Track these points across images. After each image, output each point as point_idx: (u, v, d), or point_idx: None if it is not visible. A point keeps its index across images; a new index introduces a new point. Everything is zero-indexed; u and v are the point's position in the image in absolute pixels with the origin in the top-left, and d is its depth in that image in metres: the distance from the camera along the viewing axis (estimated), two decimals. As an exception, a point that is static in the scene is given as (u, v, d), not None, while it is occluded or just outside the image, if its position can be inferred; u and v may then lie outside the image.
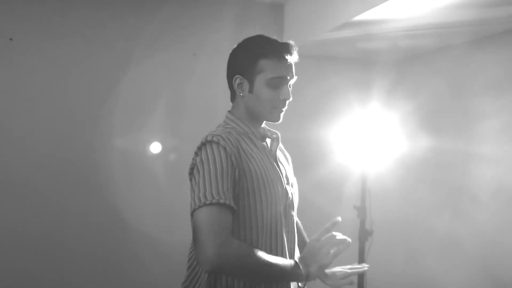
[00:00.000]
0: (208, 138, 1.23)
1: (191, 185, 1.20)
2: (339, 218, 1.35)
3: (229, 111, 1.40)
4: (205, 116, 2.69)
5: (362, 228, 2.30)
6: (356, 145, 2.31)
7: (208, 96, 2.74)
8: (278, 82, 1.31)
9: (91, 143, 2.57)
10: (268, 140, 1.39)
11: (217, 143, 1.20)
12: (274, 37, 1.36)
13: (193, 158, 1.24)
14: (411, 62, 2.92)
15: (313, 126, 2.77)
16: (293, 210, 1.35)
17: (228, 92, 1.37)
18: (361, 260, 2.26)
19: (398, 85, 2.81)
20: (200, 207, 1.12)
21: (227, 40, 2.74)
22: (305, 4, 2.76)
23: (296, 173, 1.47)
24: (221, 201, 1.13)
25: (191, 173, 1.23)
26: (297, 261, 1.25)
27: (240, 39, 1.36)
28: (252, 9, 2.91)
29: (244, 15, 2.87)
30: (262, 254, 1.17)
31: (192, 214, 1.14)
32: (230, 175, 1.18)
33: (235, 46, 1.37)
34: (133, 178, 2.63)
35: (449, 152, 2.61)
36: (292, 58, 1.33)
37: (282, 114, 1.34)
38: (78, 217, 2.58)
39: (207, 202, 1.12)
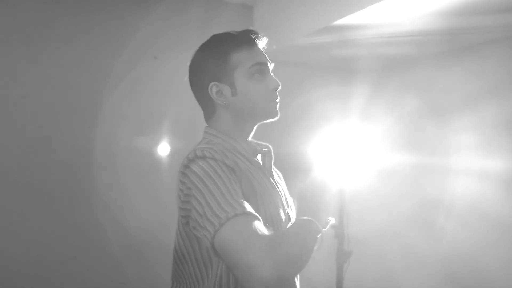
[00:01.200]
0: (198, 153, 1.01)
1: (192, 214, 0.98)
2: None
3: (207, 127, 1.19)
4: (166, 121, 2.53)
5: (340, 249, 2.12)
6: (333, 160, 2.16)
7: (170, 101, 2.54)
8: (260, 70, 1.13)
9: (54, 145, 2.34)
10: (259, 156, 1.19)
11: (213, 158, 1.00)
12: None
13: (181, 183, 1.01)
14: (390, 71, 2.82)
15: (286, 139, 2.56)
16: None
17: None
18: (339, 284, 2.10)
19: (376, 96, 2.70)
20: (222, 225, 0.90)
21: (191, 43, 2.60)
22: (277, 7, 2.62)
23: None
24: (247, 210, 0.92)
25: (186, 201, 1.00)
26: (306, 218, 1.03)
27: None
28: (219, 10, 2.72)
29: (209, 16, 2.68)
30: (287, 233, 0.99)
31: (212, 242, 0.91)
32: (239, 189, 0.98)
33: (193, 56, 1.18)
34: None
35: (426, 166, 2.52)
36: (262, 43, 1.17)
37: (278, 107, 1.15)
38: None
39: (230, 216, 0.90)
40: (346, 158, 2.20)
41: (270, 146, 1.21)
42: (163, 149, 2.56)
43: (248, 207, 0.94)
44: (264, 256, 0.85)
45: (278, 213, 1.10)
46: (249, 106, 1.13)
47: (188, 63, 1.21)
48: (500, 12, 1.98)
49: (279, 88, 1.15)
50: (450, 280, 2.41)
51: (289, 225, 1.09)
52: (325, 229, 1.06)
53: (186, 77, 1.20)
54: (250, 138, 1.20)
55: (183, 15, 2.63)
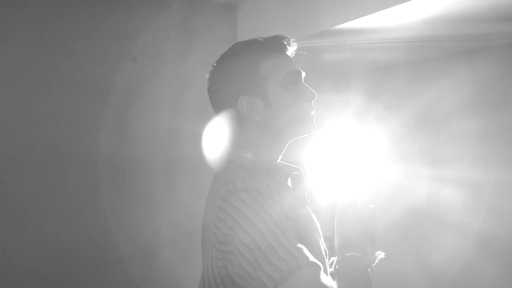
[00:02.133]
0: (239, 185, 0.87)
1: (237, 259, 0.83)
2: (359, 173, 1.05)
3: (234, 147, 1.04)
4: (147, 125, 2.39)
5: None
6: (325, 169, 2.08)
7: (150, 103, 2.40)
8: (295, 80, 1.01)
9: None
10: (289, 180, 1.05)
11: (257, 192, 0.86)
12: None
13: (219, 220, 0.87)
14: (382, 76, 2.77)
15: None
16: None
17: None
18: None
19: (368, 102, 2.65)
20: (284, 279, 0.76)
21: (172, 43, 2.49)
22: (262, 7, 2.51)
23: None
24: (310, 260, 0.80)
25: (225, 242, 0.85)
26: (352, 254, 0.93)
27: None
28: (201, 9, 2.59)
29: (191, 16, 2.54)
30: (347, 280, 0.88)
31: None
32: (292, 229, 0.84)
33: (214, 68, 1.05)
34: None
35: (417, 175, 2.49)
36: (292, 49, 1.05)
37: (315, 120, 1.03)
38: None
39: (293, 268, 0.77)
40: (340, 168, 2.14)
41: (302, 169, 1.07)
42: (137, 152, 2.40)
43: (310, 255, 0.81)
44: None
45: (321, 251, 0.97)
46: (285, 120, 1.00)
47: (208, 75, 1.08)
48: (491, 21, 1.97)
49: (315, 99, 1.03)
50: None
51: (332, 262, 0.97)
52: (374, 265, 0.95)
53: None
54: (279, 159, 1.06)
55: (163, 14, 2.49)
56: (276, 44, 1.03)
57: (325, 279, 0.81)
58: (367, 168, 2.29)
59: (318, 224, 1.03)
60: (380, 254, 0.98)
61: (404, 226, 2.49)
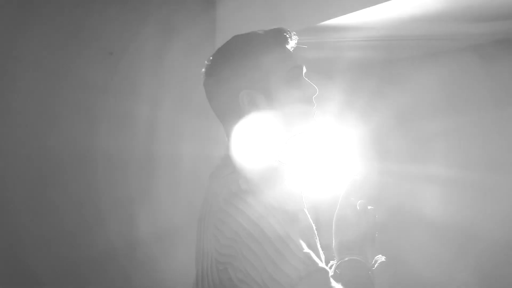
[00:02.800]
0: (243, 187, 0.83)
1: (241, 265, 0.80)
2: (357, 177, 1.03)
3: (229, 153, 1.00)
4: (124, 121, 2.33)
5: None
6: (306, 170, 2.07)
7: (128, 99, 2.34)
8: (297, 75, 0.98)
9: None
10: None
11: (262, 194, 0.83)
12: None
13: (221, 223, 0.83)
14: (362, 75, 2.77)
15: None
16: None
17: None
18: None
19: (349, 100, 2.65)
20: (293, 286, 0.74)
21: (149, 38, 2.44)
22: (242, 4, 2.49)
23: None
24: (319, 265, 0.78)
25: (228, 246, 0.82)
26: (354, 258, 0.92)
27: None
28: (178, 3, 2.55)
29: (168, 10, 2.50)
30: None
31: None
32: (298, 234, 0.81)
33: (212, 61, 1.02)
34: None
35: (395, 172, 2.51)
36: (293, 43, 1.02)
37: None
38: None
39: (302, 274, 0.75)
40: (321, 165, 2.14)
41: (298, 168, 1.06)
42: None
43: (318, 260, 0.79)
44: None
45: (320, 254, 0.95)
46: (288, 116, 0.97)
47: (204, 69, 1.04)
48: (469, 21, 2.00)
49: (317, 94, 1.00)
50: (419, 284, 2.43)
51: (331, 266, 0.95)
52: (374, 269, 0.94)
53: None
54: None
55: (140, 8, 2.43)
56: (277, 37, 1.01)
57: (334, 284, 0.79)
58: (347, 166, 2.30)
59: (314, 226, 1.01)
60: (381, 258, 0.97)
61: (384, 223, 2.52)
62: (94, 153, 2.26)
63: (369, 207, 1.01)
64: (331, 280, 0.80)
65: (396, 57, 2.57)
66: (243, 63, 0.98)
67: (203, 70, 1.05)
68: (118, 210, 2.30)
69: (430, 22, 1.99)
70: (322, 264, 0.81)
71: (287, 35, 1.01)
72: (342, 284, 0.83)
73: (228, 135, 1.03)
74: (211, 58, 1.04)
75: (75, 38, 2.23)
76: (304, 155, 2.09)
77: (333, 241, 1.00)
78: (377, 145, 2.63)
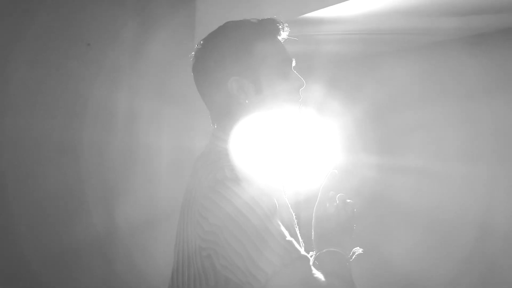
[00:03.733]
0: (228, 174, 0.84)
1: (225, 251, 0.81)
2: (336, 171, 1.05)
3: (218, 131, 1.01)
4: (102, 112, 2.30)
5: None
6: (288, 159, 2.09)
7: (105, 90, 2.31)
8: (287, 67, 0.98)
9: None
10: None
11: (247, 182, 0.83)
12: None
13: (205, 210, 0.84)
14: (340, 69, 2.79)
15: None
16: None
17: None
18: None
19: (330, 93, 2.68)
20: (276, 273, 0.76)
21: (127, 29, 2.42)
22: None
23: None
24: (301, 253, 0.80)
25: (211, 232, 0.83)
26: (332, 249, 0.94)
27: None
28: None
29: (147, 2, 2.47)
30: (335, 274, 0.88)
31: None
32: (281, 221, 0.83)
33: (203, 45, 1.01)
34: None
35: (374, 164, 2.54)
36: (285, 35, 1.02)
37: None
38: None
39: (286, 262, 0.77)
40: (301, 157, 2.16)
41: (280, 157, 1.06)
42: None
43: (300, 248, 0.81)
44: None
45: (300, 242, 0.97)
46: (274, 106, 0.97)
47: (194, 53, 1.02)
48: (447, 15, 2.04)
49: (303, 88, 1.01)
50: (398, 274, 2.47)
51: (310, 256, 0.96)
52: (351, 260, 0.96)
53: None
54: None
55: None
56: (270, 27, 1.00)
57: (316, 272, 0.81)
58: (326, 158, 2.33)
59: (294, 215, 1.02)
60: (358, 250, 0.99)
61: (362, 214, 2.56)
62: (72, 144, 2.25)
63: (348, 201, 1.03)
64: (312, 268, 0.82)
65: (374, 51, 2.59)
66: (234, 50, 0.97)
67: (193, 53, 1.04)
68: (97, 201, 2.29)
69: (406, 16, 2.03)
70: (304, 253, 0.82)
71: (280, 26, 1.01)
72: (324, 274, 0.85)
73: (214, 121, 1.04)
74: (201, 42, 1.03)
75: (53, 29, 2.20)
76: (285, 147, 2.12)
77: (312, 233, 1.02)
78: (356, 137, 2.66)
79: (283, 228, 0.82)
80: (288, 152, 1.12)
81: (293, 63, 1.03)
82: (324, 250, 0.95)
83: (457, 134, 2.26)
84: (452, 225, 2.26)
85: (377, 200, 2.57)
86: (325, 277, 0.83)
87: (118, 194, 2.35)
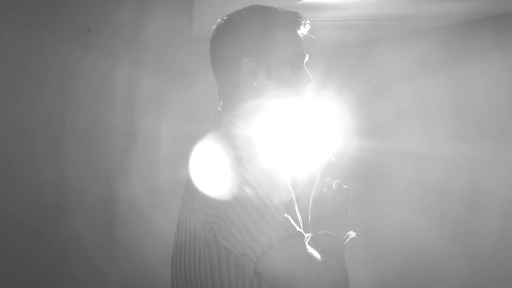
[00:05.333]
0: (231, 153, 0.87)
1: (226, 224, 0.85)
2: (333, 158, 1.10)
3: (223, 109, 1.04)
4: (102, 97, 2.34)
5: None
6: (284, 146, 2.13)
7: (106, 76, 2.34)
8: (300, 61, 1.02)
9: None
10: None
11: (249, 161, 0.87)
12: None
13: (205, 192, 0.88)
14: (337, 55, 2.81)
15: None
16: None
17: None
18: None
19: (326, 79, 2.70)
20: (272, 246, 0.80)
21: (128, 15, 2.42)
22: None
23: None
24: (297, 229, 0.85)
25: (214, 207, 0.88)
26: (328, 232, 1.00)
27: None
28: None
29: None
30: (328, 253, 0.92)
31: (256, 264, 0.82)
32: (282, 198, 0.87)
33: (226, 20, 1.04)
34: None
35: (368, 149, 2.58)
36: (305, 31, 1.05)
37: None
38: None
39: (282, 236, 0.81)
40: (299, 142, 2.19)
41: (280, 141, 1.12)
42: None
43: (296, 225, 0.86)
44: (324, 286, 0.82)
45: (299, 221, 1.01)
46: (279, 95, 1.01)
47: (215, 26, 1.06)
48: (442, 1, 2.03)
49: (309, 84, 1.05)
50: (392, 258, 2.52)
51: (306, 238, 1.01)
52: (345, 243, 1.01)
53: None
54: None
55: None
56: (293, 19, 1.03)
57: (309, 248, 0.87)
58: (325, 143, 2.36)
59: (293, 194, 1.07)
60: (351, 234, 1.05)
61: (358, 197, 2.61)
62: (72, 129, 2.27)
63: (343, 187, 1.09)
64: (306, 244, 0.88)
65: (369, 37, 2.62)
66: (254, 32, 1.00)
67: (214, 26, 1.07)
68: (97, 185, 2.33)
69: (402, 2, 2.04)
70: (300, 229, 0.87)
71: (302, 21, 1.04)
72: (319, 252, 0.91)
73: (221, 97, 1.07)
74: (225, 18, 1.06)
75: (53, 15, 2.21)
76: (285, 132, 2.15)
77: (309, 217, 1.07)
78: (352, 122, 2.68)
79: (281, 206, 0.87)
80: (288, 137, 1.17)
81: (306, 59, 1.06)
82: (319, 232, 1.00)
83: (449, 118, 2.30)
84: (446, 205, 2.31)
85: (374, 183, 2.63)
86: (318, 254, 0.89)
87: (118, 178, 2.39)
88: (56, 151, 2.23)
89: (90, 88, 2.33)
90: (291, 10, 1.05)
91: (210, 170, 0.91)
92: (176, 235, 1.05)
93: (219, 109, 1.08)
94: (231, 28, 1.03)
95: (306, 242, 0.91)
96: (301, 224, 1.00)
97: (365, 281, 2.59)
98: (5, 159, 2.11)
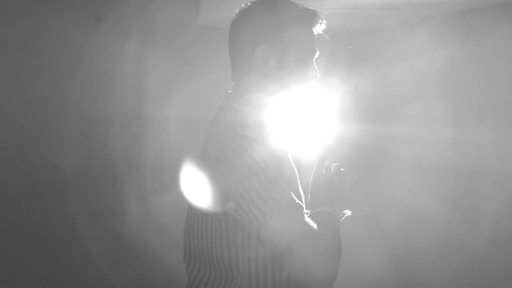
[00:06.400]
0: (240, 132, 0.96)
1: (233, 195, 0.93)
2: (332, 142, 1.19)
3: (234, 91, 1.12)
4: (120, 91, 2.41)
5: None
6: (290, 128, 2.19)
7: (115, 65, 2.40)
8: (309, 57, 1.10)
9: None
10: None
11: (256, 140, 0.94)
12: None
13: (223, 155, 0.96)
14: (340, 43, 2.83)
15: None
16: None
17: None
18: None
19: (329, 66, 2.75)
20: (274, 214, 0.89)
21: (137, 4, 2.47)
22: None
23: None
24: (296, 201, 0.92)
25: (223, 180, 0.95)
26: (325, 209, 1.07)
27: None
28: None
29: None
30: (325, 225, 0.99)
31: (259, 230, 0.90)
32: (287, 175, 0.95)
33: (249, 6, 1.11)
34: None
35: (371, 133, 2.65)
36: (320, 29, 1.13)
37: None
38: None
39: (282, 206, 0.89)
40: (302, 126, 2.24)
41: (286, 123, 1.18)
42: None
43: (296, 198, 0.94)
44: (319, 252, 0.89)
45: (300, 194, 1.08)
46: (286, 85, 1.09)
47: (238, 10, 1.13)
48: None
49: (315, 79, 1.12)
50: (395, 239, 2.60)
51: (308, 214, 1.09)
52: (341, 221, 1.09)
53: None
54: None
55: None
56: (311, 17, 1.11)
57: (307, 219, 0.95)
58: (326, 127, 2.41)
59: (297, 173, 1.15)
60: (347, 212, 1.13)
61: (359, 181, 2.65)
62: (86, 113, 2.33)
63: (341, 169, 1.17)
64: (305, 215, 0.96)
65: (371, 26, 2.66)
66: (274, 23, 1.08)
67: (237, 10, 1.14)
68: (107, 172, 2.39)
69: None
70: (299, 202, 0.95)
71: (319, 21, 1.12)
72: (316, 223, 0.98)
73: (233, 78, 1.15)
74: (249, 4, 1.14)
75: (64, 5, 2.25)
76: (289, 116, 2.20)
77: (309, 196, 1.15)
78: (352, 108, 2.75)
79: (284, 181, 0.94)
80: (293, 121, 1.24)
81: (316, 55, 1.13)
82: (318, 210, 1.08)
83: (447, 103, 2.35)
84: (445, 187, 2.37)
85: (375, 167, 2.70)
86: (315, 224, 0.96)
87: (128, 164, 2.45)
88: (66, 137, 2.29)
89: (100, 74, 2.39)
90: (310, 8, 1.13)
91: (219, 148, 0.99)
92: (188, 215, 1.14)
93: (230, 91, 1.15)
94: (253, 16, 1.10)
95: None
96: (303, 200, 1.07)
97: (371, 259, 2.67)
98: (19, 146, 2.17)
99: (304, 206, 0.98)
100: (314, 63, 1.13)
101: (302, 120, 2.20)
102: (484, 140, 2.18)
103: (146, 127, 2.51)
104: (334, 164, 1.17)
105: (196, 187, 1.07)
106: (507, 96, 2.13)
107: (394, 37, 2.58)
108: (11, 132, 2.14)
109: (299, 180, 1.09)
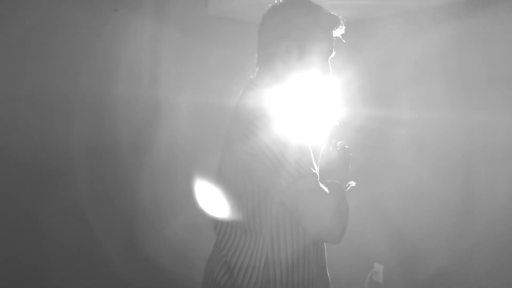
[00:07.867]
0: (259, 115, 1.12)
1: (261, 161, 1.09)
2: (337, 123, 1.35)
3: (256, 78, 1.29)
4: (134, 78, 2.48)
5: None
6: (298, 115, 2.28)
7: (132, 56, 2.48)
8: (327, 55, 1.25)
9: None
10: None
11: (276, 122, 1.12)
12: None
13: (250, 132, 1.12)
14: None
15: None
16: None
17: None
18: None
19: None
20: (297, 180, 1.05)
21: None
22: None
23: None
24: (314, 171, 1.09)
25: (251, 153, 1.11)
26: (333, 181, 1.24)
27: None
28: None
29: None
30: (338, 192, 1.19)
31: (284, 193, 1.07)
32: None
33: (281, 4, 1.26)
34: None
35: (372, 118, 2.74)
36: (339, 33, 1.29)
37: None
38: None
39: (303, 174, 1.06)
40: (310, 112, 2.33)
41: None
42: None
43: (312, 169, 1.11)
44: (333, 213, 1.07)
45: (314, 166, 1.25)
46: (303, 76, 1.25)
47: (272, 5, 1.28)
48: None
49: (327, 76, 1.29)
50: (397, 222, 2.68)
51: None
52: (346, 190, 1.27)
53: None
54: None
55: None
56: (333, 21, 1.27)
57: (321, 185, 1.13)
58: (332, 112, 2.49)
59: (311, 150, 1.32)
60: (352, 183, 1.31)
61: (360, 164, 2.72)
62: (103, 99, 2.41)
63: (346, 147, 1.34)
64: (319, 182, 1.12)
65: (371, 16, 2.73)
66: (302, 21, 1.24)
67: (271, 5, 1.29)
68: (121, 157, 2.48)
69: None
70: (314, 171, 1.12)
71: (340, 26, 1.28)
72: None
73: (258, 64, 1.30)
74: (281, 1, 1.28)
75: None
76: (303, 102, 2.31)
77: (318, 170, 1.30)
78: (356, 93, 2.85)
79: (302, 154, 1.11)
80: (306, 106, 1.40)
81: (332, 55, 1.29)
82: (327, 181, 1.24)
83: (447, 87, 2.41)
84: (446, 171, 2.42)
85: (378, 150, 2.78)
86: (327, 189, 1.14)
87: (142, 151, 2.54)
88: (78, 122, 2.36)
89: (117, 63, 2.48)
90: (334, 13, 1.28)
91: (242, 129, 1.15)
92: (218, 172, 1.31)
93: (252, 77, 1.31)
94: (284, 13, 1.26)
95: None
96: (317, 169, 1.24)
97: (373, 239, 2.75)
98: (34, 136, 2.23)
99: (318, 174, 1.14)
100: (329, 63, 1.28)
101: (312, 106, 2.30)
102: (495, 123, 2.21)
103: (162, 110, 2.61)
104: (339, 142, 1.34)
105: (224, 158, 1.23)
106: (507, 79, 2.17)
107: (396, 26, 2.65)
108: (30, 119, 2.21)
109: (311, 151, 1.25)
